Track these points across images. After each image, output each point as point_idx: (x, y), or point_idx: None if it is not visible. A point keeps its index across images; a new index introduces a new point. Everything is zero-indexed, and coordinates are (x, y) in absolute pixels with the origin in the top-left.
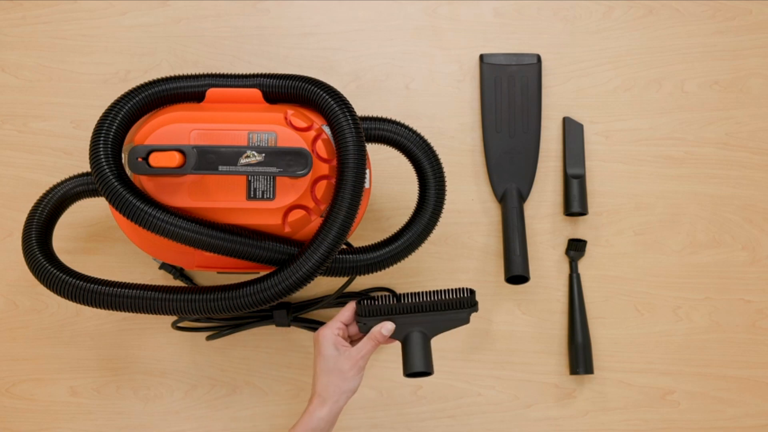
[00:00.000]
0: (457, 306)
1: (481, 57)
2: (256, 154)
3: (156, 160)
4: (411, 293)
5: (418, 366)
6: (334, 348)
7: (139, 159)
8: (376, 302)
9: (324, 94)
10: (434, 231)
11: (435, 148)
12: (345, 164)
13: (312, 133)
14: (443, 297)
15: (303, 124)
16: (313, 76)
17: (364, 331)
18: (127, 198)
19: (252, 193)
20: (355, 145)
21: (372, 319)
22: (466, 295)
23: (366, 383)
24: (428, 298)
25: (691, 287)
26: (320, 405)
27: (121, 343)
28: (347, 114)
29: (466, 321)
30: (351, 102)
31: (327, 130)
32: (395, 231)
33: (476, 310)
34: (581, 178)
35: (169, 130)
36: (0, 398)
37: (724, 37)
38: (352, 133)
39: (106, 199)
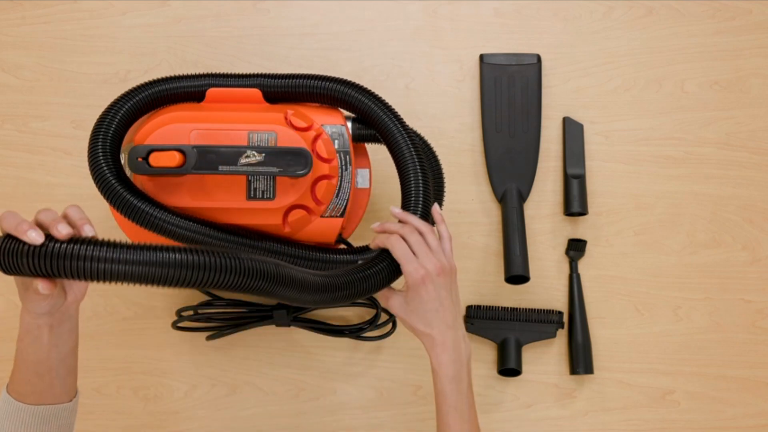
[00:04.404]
0: (546, 321)
1: (481, 57)
2: (256, 154)
3: (156, 160)
4: (512, 308)
5: (510, 364)
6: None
7: (139, 159)
8: (484, 309)
9: (339, 86)
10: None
11: (435, 149)
12: (395, 144)
13: (312, 133)
14: (536, 312)
15: (303, 124)
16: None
17: (472, 330)
18: (126, 198)
19: (252, 193)
20: (393, 122)
21: (479, 321)
22: (554, 314)
23: (366, 383)
24: (524, 312)
25: (691, 287)
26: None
27: (121, 343)
28: (371, 96)
29: (553, 335)
30: None
31: (327, 129)
32: None
33: (562, 327)
34: (581, 178)
35: (169, 130)
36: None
37: (724, 37)
38: (386, 112)
39: (106, 198)
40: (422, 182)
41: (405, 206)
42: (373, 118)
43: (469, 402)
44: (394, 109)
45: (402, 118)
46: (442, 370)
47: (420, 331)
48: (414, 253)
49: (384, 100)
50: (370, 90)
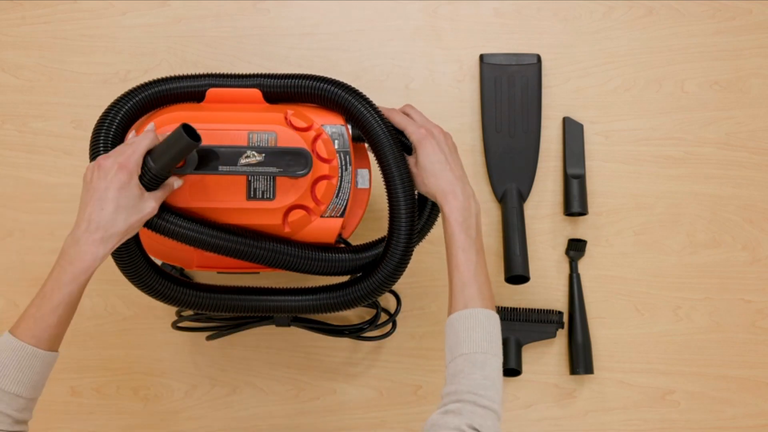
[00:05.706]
0: (546, 321)
1: (481, 57)
2: (256, 154)
3: None
4: (512, 308)
5: (510, 364)
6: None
7: None
8: None
9: (335, 89)
10: (434, 230)
11: None
12: (380, 148)
13: (312, 133)
14: (536, 312)
15: (303, 124)
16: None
17: None
18: None
19: (252, 193)
20: (383, 133)
21: None
22: (554, 314)
23: (366, 383)
24: (524, 312)
25: (691, 287)
26: None
27: (121, 343)
28: (366, 104)
29: (553, 335)
30: None
31: (327, 129)
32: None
33: (562, 327)
34: (581, 178)
35: (169, 130)
36: None
37: (724, 37)
38: (378, 122)
39: None
40: (411, 215)
41: (391, 222)
42: (365, 128)
43: (477, 248)
44: (384, 117)
45: (389, 123)
46: (453, 216)
47: (431, 184)
48: (413, 119)
49: (378, 110)
50: (364, 95)
